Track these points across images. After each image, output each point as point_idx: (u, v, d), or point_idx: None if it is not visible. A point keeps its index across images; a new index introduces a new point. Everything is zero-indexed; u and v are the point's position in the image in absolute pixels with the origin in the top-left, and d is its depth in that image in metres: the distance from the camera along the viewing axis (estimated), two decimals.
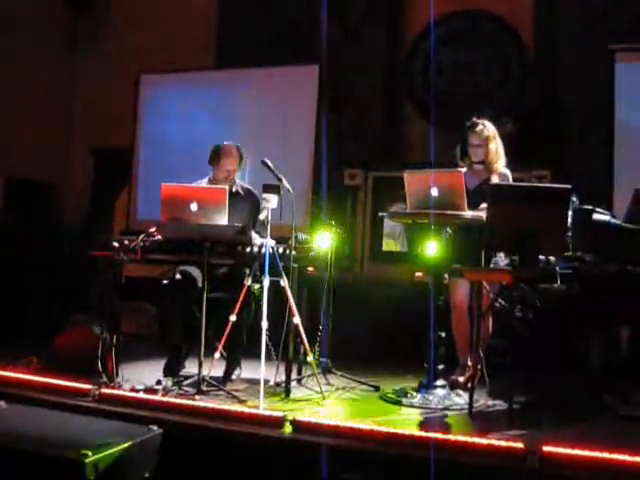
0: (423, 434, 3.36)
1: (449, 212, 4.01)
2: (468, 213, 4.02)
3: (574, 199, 3.90)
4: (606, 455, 3.00)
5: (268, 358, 4.00)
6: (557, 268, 3.83)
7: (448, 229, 4.24)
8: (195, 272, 4.51)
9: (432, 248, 4.16)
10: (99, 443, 3.01)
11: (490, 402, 4.11)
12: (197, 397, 3.98)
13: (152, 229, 4.28)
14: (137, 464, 3.13)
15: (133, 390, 4.05)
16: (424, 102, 7.02)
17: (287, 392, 4.12)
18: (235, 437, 3.48)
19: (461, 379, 4.40)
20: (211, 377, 4.19)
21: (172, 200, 4.19)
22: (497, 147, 4.49)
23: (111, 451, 2.98)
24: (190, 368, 4.50)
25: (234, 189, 4.65)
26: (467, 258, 4.21)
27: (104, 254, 4.38)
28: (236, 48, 7.49)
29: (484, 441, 3.22)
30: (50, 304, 6.89)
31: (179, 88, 7.48)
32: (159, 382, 4.20)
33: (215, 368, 4.26)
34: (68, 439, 3.06)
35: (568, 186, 3.77)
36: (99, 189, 8.14)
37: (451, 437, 3.32)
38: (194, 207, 4.12)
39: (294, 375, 4.35)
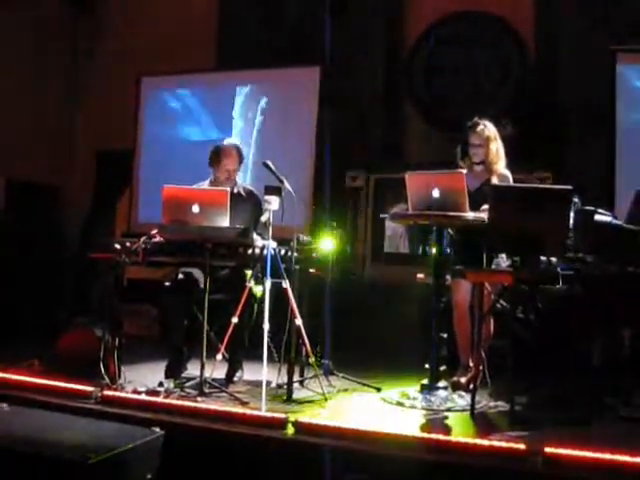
0: (425, 435, 3.37)
1: (450, 213, 4.01)
2: (469, 214, 4.02)
3: (575, 200, 3.90)
4: (607, 456, 3.00)
5: (270, 360, 4.00)
6: (558, 269, 3.83)
7: (450, 230, 4.24)
8: (197, 274, 4.51)
9: (434, 249, 4.17)
10: (101, 445, 3.01)
11: (492, 403, 4.10)
12: (199, 399, 3.99)
13: (154, 231, 4.28)
14: (139, 466, 3.13)
15: (135, 392, 4.05)
16: (425, 103, 7.02)
17: (289, 394, 4.12)
18: (237, 439, 3.48)
19: (463, 380, 4.40)
20: (213, 379, 4.20)
21: (174, 202, 4.19)
22: (498, 148, 4.50)
23: (113, 453, 2.98)
24: (192, 370, 4.50)
25: (235, 190, 4.65)
26: (468, 259, 4.21)
27: (106, 256, 4.38)
28: (236, 49, 7.49)
29: (486, 442, 3.23)
30: (50, 306, 6.90)
31: (180, 90, 7.49)
32: (161, 384, 4.20)
33: (217, 370, 4.26)
34: (70, 441, 3.06)
35: (569, 187, 3.77)
36: (100, 191, 8.14)
37: (453, 438, 3.33)
38: (196, 209, 4.12)
39: (296, 377, 4.35)
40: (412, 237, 6.36)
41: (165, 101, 7.54)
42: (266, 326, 3.93)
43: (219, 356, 4.20)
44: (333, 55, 6.93)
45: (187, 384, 4.27)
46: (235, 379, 4.57)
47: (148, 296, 5.76)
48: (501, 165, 4.49)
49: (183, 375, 4.49)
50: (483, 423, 3.76)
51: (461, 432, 3.54)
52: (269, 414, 3.65)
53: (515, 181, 4.52)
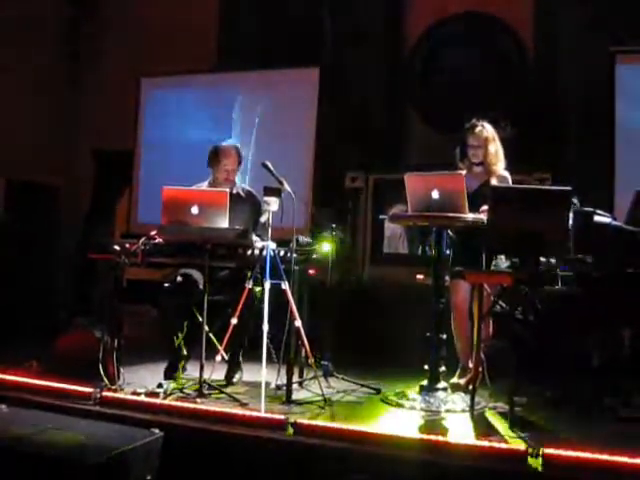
0: (424, 437, 3.36)
1: (450, 214, 4.01)
2: (469, 215, 4.02)
3: (575, 201, 3.90)
4: (607, 457, 3.00)
5: (269, 361, 4.00)
6: (558, 270, 3.84)
7: (449, 231, 4.24)
8: (196, 275, 4.51)
9: (433, 250, 4.17)
10: (100, 446, 3.01)
11: (491, 404, 4.10)
12: (198, 400, 3.98)
13: (153, 232, 4.27)
14: (138, 467, 3.13)
15: (134, 393, 4.05)
16: (425, 104, 7.02)
17: (289, 395, 4.11)
18: (236, 440, 3.48)
19: (462, 381, 4.40)
20: (212, 380, 4.20)
21: (173, 203, 4.19)
22: (496, 149, 4.49)
23: (112, 454, 2.98)
24: (191, 371, 4.50)
25: (235, 191, 4.65)
26: (468, 260, 4.21)
27: (105, 257, 4.38)
28: (236, 50, 7.49)
29: (485, 443, 3.23)
30: (50, 306, 6.91)
31: (180, 90, 7.49)
32: (160, 385, 4.19)
33: (216, 371, 4.26)
34: (69, 443, 3.06)
35: (568, 188, 3.77)
36: (100, 191, 8.14)
37: (452, 439, 3.33)
38: (195, 210, 4.12)
39: (295, 378, 4.35)
40: (411, 238, 6.38)
41: (165, 102, 7.54)
42: (265, 327, 3.93)
43: (218, 357, 4.20)
44: (333, 56, 6.95)
45: (186, 385, 4.26)
46: (234, 380, 4.56)
47: (147, 297, 5.74)
48: (500, 166, 4.49)
49: (182, 376, 4.48)
50: (482, 424, 3.76)
51: (460, 433, 3.53)
52: (268, 415, 3.64)
53: (514, 182, 4.52)
